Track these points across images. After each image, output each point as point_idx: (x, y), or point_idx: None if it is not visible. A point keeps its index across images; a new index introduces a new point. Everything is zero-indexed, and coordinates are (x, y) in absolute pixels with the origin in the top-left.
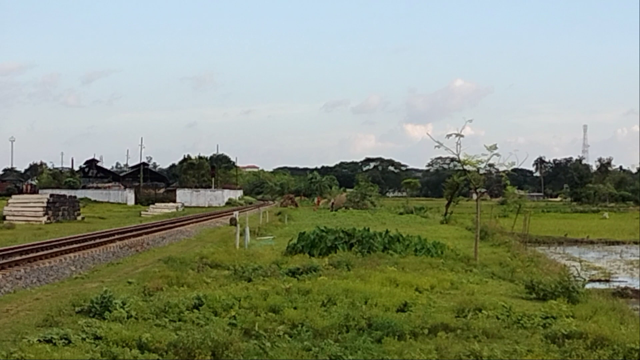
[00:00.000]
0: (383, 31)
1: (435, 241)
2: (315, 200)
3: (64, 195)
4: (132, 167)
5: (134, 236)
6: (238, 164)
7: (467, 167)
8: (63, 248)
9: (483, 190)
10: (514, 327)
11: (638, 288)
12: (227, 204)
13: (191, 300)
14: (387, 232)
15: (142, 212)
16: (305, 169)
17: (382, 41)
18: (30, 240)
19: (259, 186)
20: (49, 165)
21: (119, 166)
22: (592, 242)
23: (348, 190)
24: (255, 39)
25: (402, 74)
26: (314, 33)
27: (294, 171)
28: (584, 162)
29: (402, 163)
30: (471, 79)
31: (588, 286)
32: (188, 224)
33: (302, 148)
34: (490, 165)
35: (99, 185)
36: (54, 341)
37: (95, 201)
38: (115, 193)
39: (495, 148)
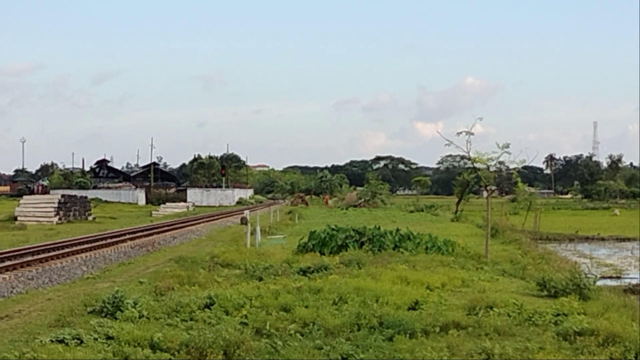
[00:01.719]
0: (393, 29)
1: (446, 239)
2: (324, 199)
3: (75, 196)
4: (143, 167)
5: (145, 236)
6: (248, 163)
7: (477, 165)
8: (74, 248)
9: (493, 187)
10: (525, 324)
11: None
12: (238, 203)
13: (202, 299)
14: (397, 230)
15: (153, 212)
16: (316, 168)
17: (392, 39)
18: (41, 241)
19: (270, 185)
20: (60, 166)
21: (129, 166)
22: (603, 239)
23: (358, 188)
24: (264, 38)
25: (412, 71)
26: (324, 31)
27: (304, 170)
28: (594, 158)
29: (412, 161)
30: (481, 77)
31: (599, 283)
32: (199, 223)
33: (312, 147)
34: (501, 162)
35: (110, 185)
36: (66, 341)
37: (106, 201)
38: (126, 193)
39: (508, 146)
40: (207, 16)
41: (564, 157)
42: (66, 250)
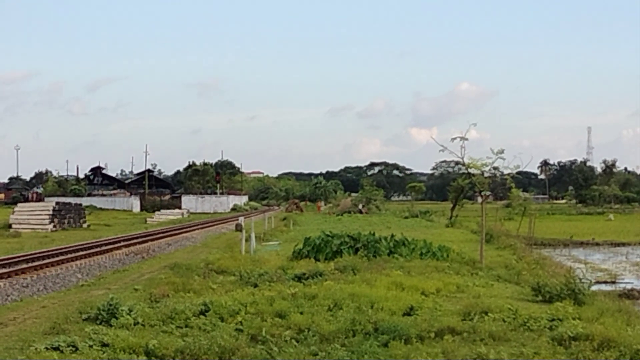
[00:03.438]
0: (388, 35)
1: (440, 245)
2: (316, 205)
3: (70, 203)
4: (137, 174)
5: (139, 243)
6: (243, 170)
7: (471, 171)
8: (69, 256)
9: (488, 193)
10: (520, 329)
11: None
12: (233, 209)
13: (197, 306)
14: (392, 236)
15: (148, 219)
16: (310, 174)
17: (387, 45)
18: (36, 248)
19: (264, 192)
20: (55, 173)
21: (124, 173)
22: (597, 244)
23: (353, 194)
24: (259, 45)
25: (407, 78)
26: (319, 38)
27: (299, 176)
28: (588, 164)
29: (407, 167)
30: (477, 82)
31: (594, 288)
32: (193, 230)
33: (307, 153)
34: (495, 168)
35: (104, 192)
36: (61, 349)
37: (100, 208)
38: (120, 200)
39: (502, 152)
40: (202, 24)
41: (558, 163)
42: (61, 257)
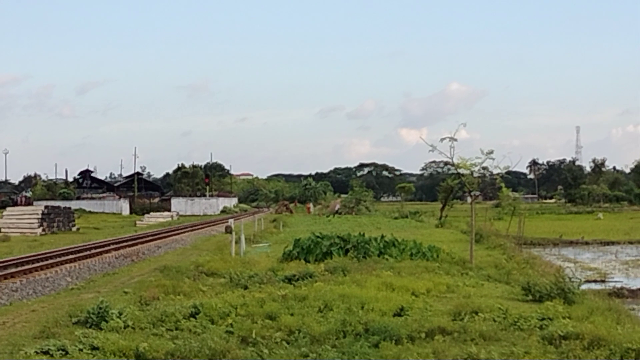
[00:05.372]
0: (378, 36)
1: (430, 245)
2: (306, 207)
3: (59, 207)
4: (127, 177)
5: (129, 246)
6: (232, 172)
7: (461, 171)
8: (59, 259)
9: (477, 193)
10: (510, 329)
11: (634, 288)
12: (222, 212)
13: (188, 308)
14: (382, 236)
15: (137, 222)
16: (300, 176)
17: (377, 46)
18: (25, 252)
19: (254, 193)
20: (43, 177)
21: (113, 176)
22: (587, 243)
23: (342, 195)
24: (249, 47)
25: (397, 78)
26: (309, 39)
27: (289, 178)
28: (577, 163)
29: (396, 168)
30: (466, 83)
31: (584, 287)
32: (183, 232)
33: (297, 154)
34: (485, 168)
35: (94, 195)
36: (51, 352)
37: (90, 212)
38: (109, 203)
39: (492, 152)
40: (191, 25)
41: (547, 162)
42: (50, 261)
